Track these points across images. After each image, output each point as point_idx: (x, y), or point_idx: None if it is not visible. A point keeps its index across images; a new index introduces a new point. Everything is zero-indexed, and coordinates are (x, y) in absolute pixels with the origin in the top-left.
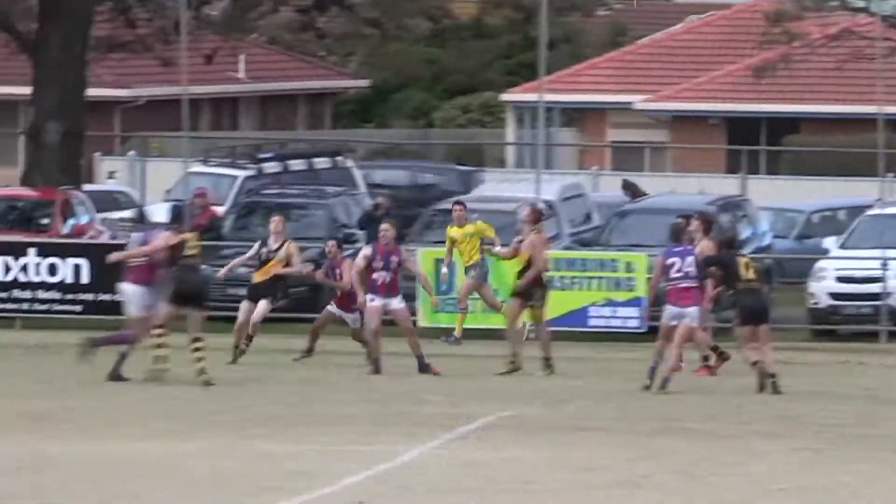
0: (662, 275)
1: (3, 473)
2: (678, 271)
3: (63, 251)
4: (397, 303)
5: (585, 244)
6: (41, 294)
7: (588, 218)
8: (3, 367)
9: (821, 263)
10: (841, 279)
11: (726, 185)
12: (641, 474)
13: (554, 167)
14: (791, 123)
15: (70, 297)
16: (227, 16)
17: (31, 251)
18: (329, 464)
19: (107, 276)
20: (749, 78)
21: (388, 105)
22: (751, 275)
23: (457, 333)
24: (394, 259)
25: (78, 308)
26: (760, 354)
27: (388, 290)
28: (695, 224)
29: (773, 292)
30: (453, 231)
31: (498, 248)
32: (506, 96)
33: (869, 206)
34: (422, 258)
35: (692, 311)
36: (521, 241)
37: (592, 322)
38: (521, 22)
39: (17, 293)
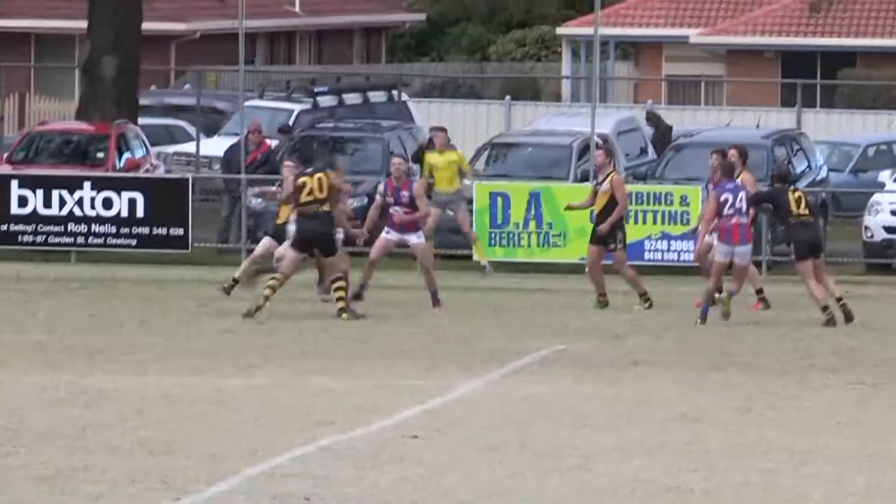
0: (717, 211)
1: (57, 406)
2: (731, 207)
3: (118, 185)
4: (415, 238)
5: (641, 178)
6: (96, 228)
7: (643, 152)
8: (57, 301)
9: (876, 197)
10: None
11: (781, 119)
12: (698, 409)
13: (609, 101)
14: (846, 57)
15: (125, 230)
16: None
17: (87, 185)
18: (384, 398)
19: (162, 210)
20: (804, 11)
21: (443, 39)
22: (802, 209)
23: (484, 262)
24: (404, 194)
25: (133, 242)
26: (823, 290)
27: (403, 226)
28: (732, 155)
29: (828, 226)
30: (433, 157)
31: (575, 203)
32: (561, 30)
33: None
34: (477, 192)
35: (744, 248)
36: (598, 184)
37: (648, 255)
38: None
39: (72, 227)
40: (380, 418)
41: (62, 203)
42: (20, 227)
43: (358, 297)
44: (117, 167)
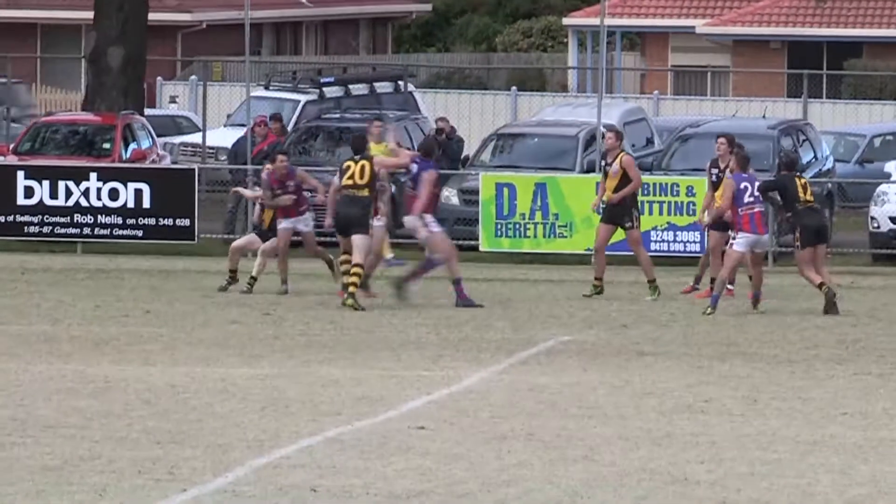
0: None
1: (63, 396)
2: (751, 195)
3: (124, 176)
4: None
5: (647, 168)
6: (102, 219)
7: (649, 142)
8: (63, 291)
9: (882, 187)
10: None
11: (787, 110)
12: (704, 399)
13: (615, 91)
14: (853, 47)
15: (131, 221)
16: None
17: (93, 176)
18: (390, 389)
19: (168, 200)
20: (810, 1)
21: (450, 29)
22: (809, 196)
23: (388, 255)
24: (290, 184)
25: (139, 233)
26: (822, 276)
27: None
28: (721, 144)
29: (834, 217)
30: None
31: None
32: (567, 20)
33: None
34: (483, 182)
35: (766, 238)
36: (608, 165)
37: (654, 246)
38: None
39: (78, 218)
40: (386, 409)
41: (68, 194)
42: (26, 218)
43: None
44: (123, 158)
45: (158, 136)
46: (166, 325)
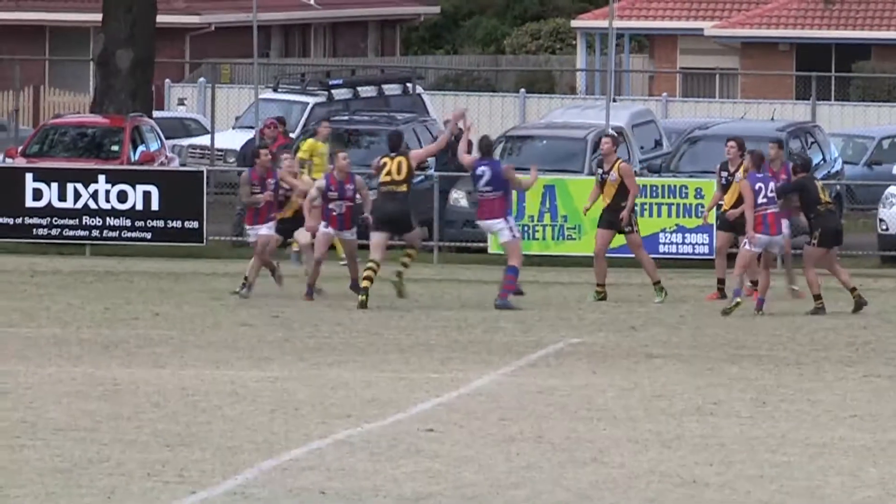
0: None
1: (73, 398)
2: (764, 196)
3: (133, 178)
4: (349, 235)
5: (655, 170)
6: (111, 221)
7: (658, 144)
8: (73, 294)
9: (891, 189)
10: None
11: (796, 112)
12: (713, 402)
13: (624, 94)
14: (861, 49)
15: (140, 224)
16: None
17: (101, 178)
18: (399, 391)
19: (176, 203)
20: (819, 3)
21: (458, 31)
22: (827, 197)
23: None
24: (349, 188)
25: (147, 235)
26: (843, 280)
27: (342, 222)
28: (731, 147)
29: (843, 219)
30: (315, 145)
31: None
32: (576, 23)
33: None
34: None
35: (780, 239)
36: (605, 174)
37: (663, 249)
38: None
39: (87, 220)
40: (395, 411)
41: (77, 196)
42: (35, 221)
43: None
44: (132, 160)
45: (167, 138)
46: (175, 327)
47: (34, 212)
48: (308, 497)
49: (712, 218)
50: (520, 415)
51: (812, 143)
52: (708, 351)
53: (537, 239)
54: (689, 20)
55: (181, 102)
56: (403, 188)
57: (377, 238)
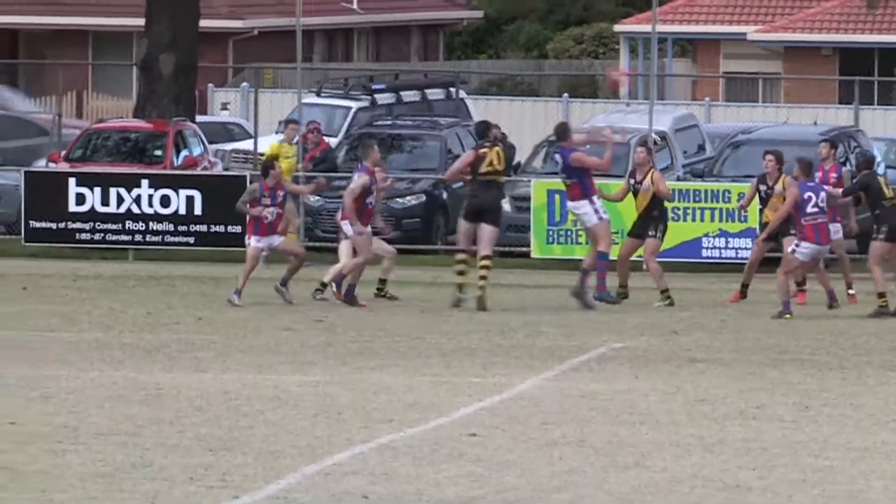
0: (797, 209)
1: (115, 403)
2: (815, 206)
3: (176, 183)
4: (277, 240)
5: (698, 175)
6: (154, 226)
7: (701, 149)
8: (115, 298)
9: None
10: None
11: (839, 117)
12: (756, 406)
13: (667, 98)
14: None
15: (182, 228)
16: None
17: (144, 183)
18: (442, 395)
19: (219, 207)
20: (862, 8)
21: (501, 36)
22: (891, 193)
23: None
24: (280, 194)
25: (190, 240)
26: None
27: (270, 230)
28: (770, 162)
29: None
30: (281, 147)
31: (610, 195)
32: (619, 27)
33: None
34: (535, 189)
35: (827, 249)
36: (637, 183)
37: (706, 253)
38: None
39: (130, 224)
40: (438, 415)
41: (120, 201)
42: (78, 225)
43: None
44: (175, 165)
45: (210, 142)
46: (218, 332)
47: (77, 216)
48: (351, 501)
49: (762, 234)
50: (562, 419)
51: (855, 147)
52: (750, 355)
53: (580, 243)
54: (732, 24)
55: (224, 107)
56: (503, 179)
57: (466, 227)
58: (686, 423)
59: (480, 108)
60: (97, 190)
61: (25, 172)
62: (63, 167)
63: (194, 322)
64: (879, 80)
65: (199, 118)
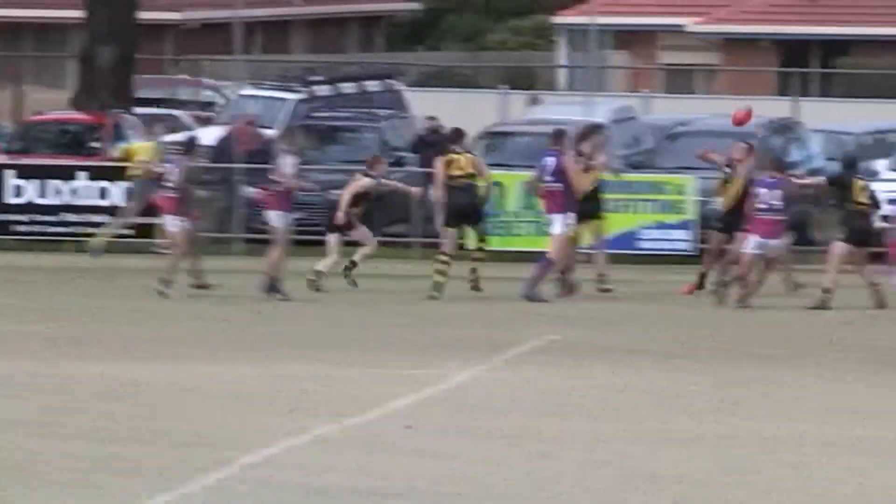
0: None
1: (48, 393)
2: (765, 203)
3: (113, 174)
4: (181, 223)
5: (636, 167)
6: (92, 217)
7: (639, 141)
8: (50, 290)
9: (871, 186)
10: (892, 201)
11: (778, 108)
12: (690, 395)
13: (605, 90)
14: (842, 45)
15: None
16: None
17: (82, 175)
18: (378, 388)
19: None
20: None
21: (439, 28)
22: (863, 198)
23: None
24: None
25: (128, 231)
26: (870, 275)
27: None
28: (740, 150)
29: (822, 214)
30: (138, 146)
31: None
32: (557, 19)
33: None
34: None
35: (775, 243)
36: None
37: (642, 245)
38: None
39: (67, 216)
40: (374, 407)
41: (57, 192)
42: (16, 217)
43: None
44: (113, 157)
45: None
46: (149, 325)
47: (15, 209)
48: (288, 493)
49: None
50: (497, 411)
51: (793, 139)
52: (687, 347)
53: (518, 235)
54: (671, 16)
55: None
56: (477, 181)
57: (452, 233)
58: (617, 414)
59: (418, 100)
60: (35, 182)
61: None
62: (0, 159)
63: (130, 313)
64: (819, 71)
65: (136, 110)
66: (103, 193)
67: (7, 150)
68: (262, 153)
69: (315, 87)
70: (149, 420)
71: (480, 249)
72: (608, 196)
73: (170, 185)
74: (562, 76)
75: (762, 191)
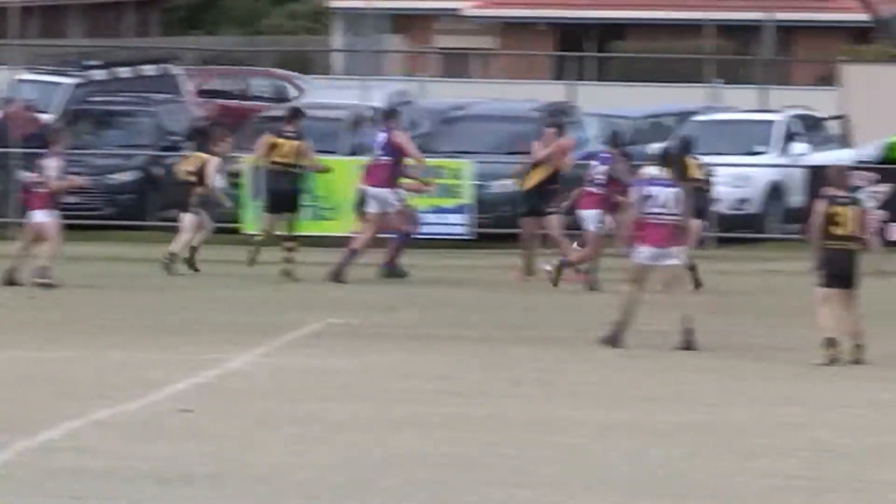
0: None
1: None
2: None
3: None
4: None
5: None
6: None
7: (416, 125)
8: None
9: (645, 169)
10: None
11: (554, 92)
12: (473, 381)
13: (381, 74)
14: (619, 29)
15: None
16: None
17: None
18: (156, 372)
19: None
20: None
21: (216, 12)
22: (698, 174)
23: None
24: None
25: None
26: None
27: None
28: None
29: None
30: None
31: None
32: (334, 3)
33: (695, 113)
34: (247, 165)
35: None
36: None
37: (424, 229)
38: None
39: None
40: (152, 392)
41: None
42: None
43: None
44: None
45: None
46: None
47: None
48: (64, 477)
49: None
50: (277, 395)
51: (569, 123)
52: (466, 331)
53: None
54: (447, 0)
55: None
56: (296, 167)
57: (269, 218)
58: (399, 398)
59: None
60: None
61: None
62: None
63: None
64: (595, 55)
65: None
66: None
67: None
68: (38, 137)
69: (91, 72)
70: None
71: (292, 238)
72: None
73: None
74: (338, 60)
75: (597, 165)
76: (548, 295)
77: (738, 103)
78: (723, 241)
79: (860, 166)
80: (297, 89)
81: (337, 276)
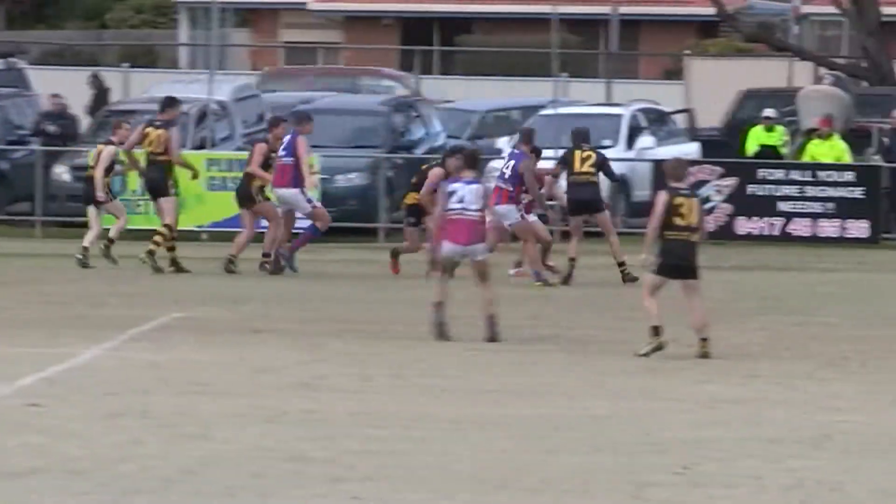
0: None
1: None
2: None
3: None
4: None
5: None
6: None
7: (261, 119)
8: None
9: (493, 163)
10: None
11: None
12: (317, 376)
13: (227, 68)
14: (465, 23)
15: None
16: None
17: None
18: (2, 366)
19: None
20: None
21: (60, 6)
22: (586, 168)
23: None
24: None
25: None
26: (573, 245)
27: None
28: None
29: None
30: None
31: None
32: None
33: (542, 107)
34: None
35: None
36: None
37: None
38: None
39: None
40: None
41: None
42: None
43: None
44: None
45: None
46: None
47: None
48: None
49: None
50: (125, 389)
51: (416, 116)
52: (311, 326)
53: (140, 213)
54: None
55: None
56: (163, 158)
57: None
58: (248, 393)
59: (40, 79)
60: None
61: None
62: None
63: None
64: (440, 49)
65: None
66: None
67: None
68: None
69: None
70: None
71: (156, 231)
72: (232, 174)
73: None
74: (183, 54)
75: (508, 161)
76: (396, 290)
77: (584, 97)
78: (566, 235)
79: (706, 160)
80: (407, 88)
81: (276, 271)
